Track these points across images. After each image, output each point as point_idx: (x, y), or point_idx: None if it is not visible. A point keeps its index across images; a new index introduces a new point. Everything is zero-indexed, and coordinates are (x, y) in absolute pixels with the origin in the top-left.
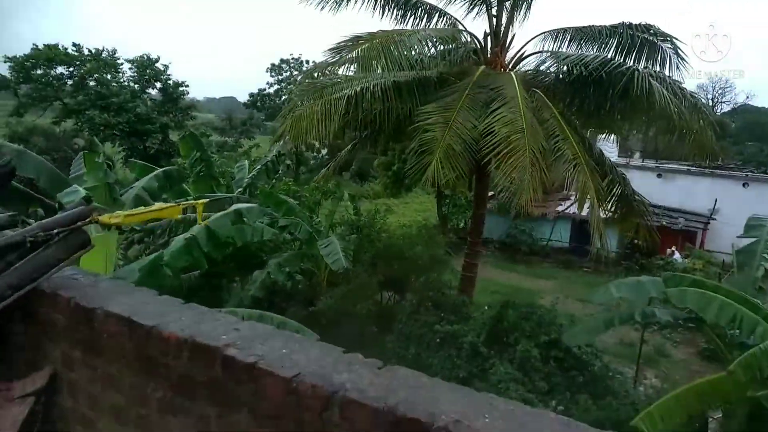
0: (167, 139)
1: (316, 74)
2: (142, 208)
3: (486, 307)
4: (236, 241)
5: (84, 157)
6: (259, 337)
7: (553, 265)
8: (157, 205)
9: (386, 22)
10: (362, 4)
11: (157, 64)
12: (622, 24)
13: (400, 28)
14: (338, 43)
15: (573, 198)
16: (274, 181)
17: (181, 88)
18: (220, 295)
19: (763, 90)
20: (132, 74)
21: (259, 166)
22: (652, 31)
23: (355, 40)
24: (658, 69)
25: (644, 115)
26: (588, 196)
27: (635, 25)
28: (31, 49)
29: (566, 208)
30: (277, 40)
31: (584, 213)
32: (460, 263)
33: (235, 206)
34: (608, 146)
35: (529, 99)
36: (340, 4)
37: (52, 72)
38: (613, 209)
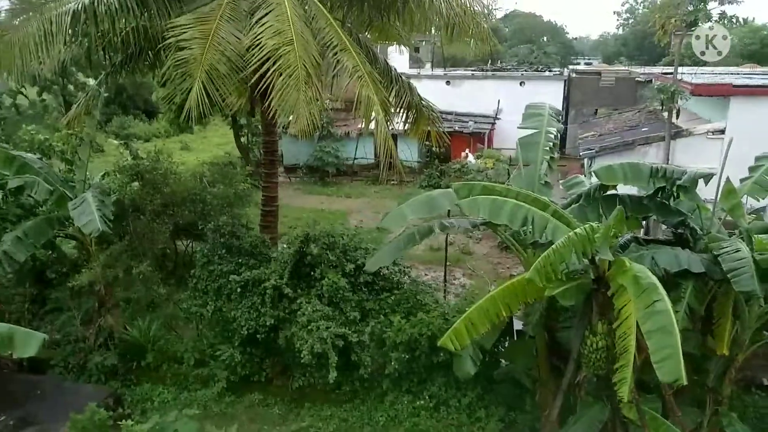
0: None
1: None
2: None
3: (285, 245)
4: None
5: None
6: None
7: (362, 182)
8: None
9: None
10: None
11: None
12: None
13: None
14: None
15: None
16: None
17: None
18: None
19: None
20: None
21: None
22: None
23: None
24: None
25: (419, 14)
26: (373, 111)
27: None
28: None
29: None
30: None
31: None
32: None
33: None
34: (398, 58)
35: (300, 6)
36: None
37: None
38: (403, 119)
